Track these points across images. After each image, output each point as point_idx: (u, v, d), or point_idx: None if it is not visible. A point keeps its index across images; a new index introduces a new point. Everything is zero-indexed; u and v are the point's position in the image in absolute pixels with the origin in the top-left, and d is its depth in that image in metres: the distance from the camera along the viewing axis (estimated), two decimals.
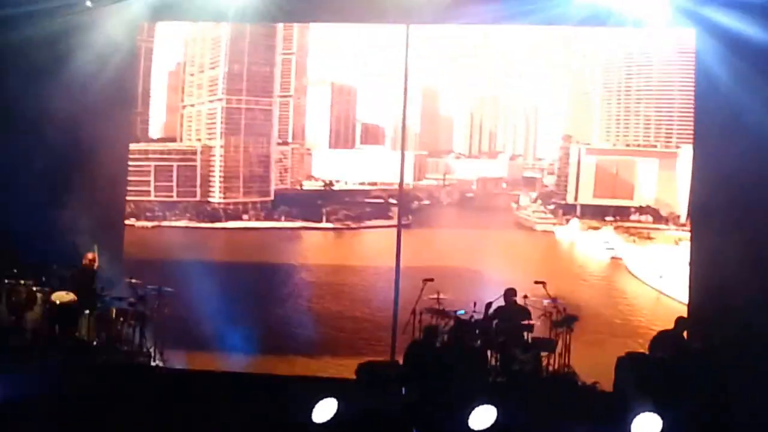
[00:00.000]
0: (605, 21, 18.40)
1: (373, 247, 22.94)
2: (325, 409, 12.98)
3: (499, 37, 21.59)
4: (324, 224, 23.30)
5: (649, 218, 21.97)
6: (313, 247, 23.24)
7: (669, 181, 21.53)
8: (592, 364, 16.65)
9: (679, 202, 21.08)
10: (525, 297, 17.07)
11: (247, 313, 18.94)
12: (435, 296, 17.33)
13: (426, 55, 21.65)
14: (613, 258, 21.97)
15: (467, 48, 21.84)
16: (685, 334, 16.43)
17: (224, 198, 23.22)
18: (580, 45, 22.25)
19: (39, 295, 16.71)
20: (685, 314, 17.63)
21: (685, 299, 18.77)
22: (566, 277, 21.06)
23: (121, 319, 16.91)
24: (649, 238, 21.80)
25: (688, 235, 19.45)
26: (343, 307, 21.23)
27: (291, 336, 20.06)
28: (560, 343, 16.81)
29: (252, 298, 19.95)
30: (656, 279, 20.91)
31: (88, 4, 18.84)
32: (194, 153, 23.30)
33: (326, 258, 23.22)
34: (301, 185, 23.67)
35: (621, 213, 22.22)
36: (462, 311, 17.00)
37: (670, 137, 21.50)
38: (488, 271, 19.00)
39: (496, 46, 21.68)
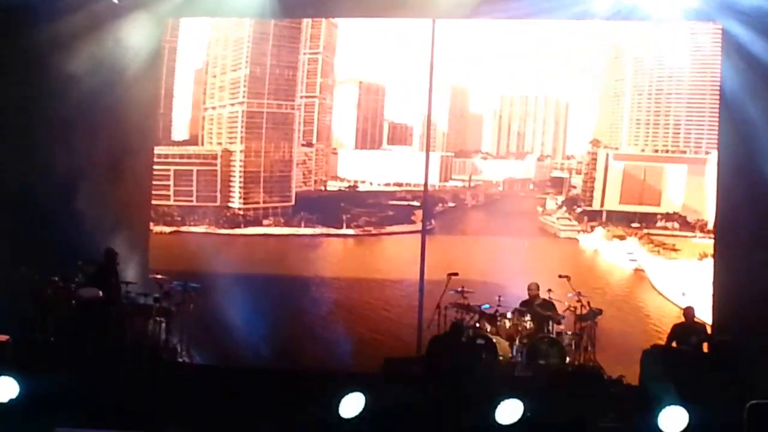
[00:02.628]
0: (633, 15, 18.28)
1: (393, 256, 22.75)
2: (352, 404, 12.80)
3: (529, 36, 21.47)
4: (344, 230, 23.12)
5: (676, 225, 21.76)
6: (332, 256, 23.07)
7: (697, 188, 21.31)
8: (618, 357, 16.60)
9: (708, 209, 20.82)
10: (549, 291, 16.95)
11: (267, 326, 18.83)
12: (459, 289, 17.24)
13: (455, 53, 21.56)
14: (636, 270, 21.77)
15: (496, 46, 21.74)
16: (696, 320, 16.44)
17: (244, 203, 23.08)
18: (611, 46, 22.13)
19: (65, 291, 16.62)
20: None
21: (708, 319, 18.54)
22: (588, 287, 20.85)
23: (147, 314, 16.80)
24: (674, 249, 21.59)
25: (714, 246, 19.30)
26: (364, 321, 21.03)
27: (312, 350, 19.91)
28: (585, 336, 16.69)
29: (269, 310, 19.78)
30: (679, 296, 20.69)
31: (115, 0, 18.79)
32: (215, 157, 23.20)
33: (346, 268, 23.04)
34: (325, 186, 23.55)
35: (647, 219, 22.00)
36: (487, 305, 16.93)
37: (700, 143, 21.28)
38: (510, 283, 18.83)
39: (526, 45, 21.57)
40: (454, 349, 15.63)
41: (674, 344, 16.56)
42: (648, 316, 20.81)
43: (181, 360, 16.70)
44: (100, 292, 16.51)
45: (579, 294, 16.86)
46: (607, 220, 22.25)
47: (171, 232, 22.53)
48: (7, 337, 15.56)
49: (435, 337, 16.27)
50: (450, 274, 17.24)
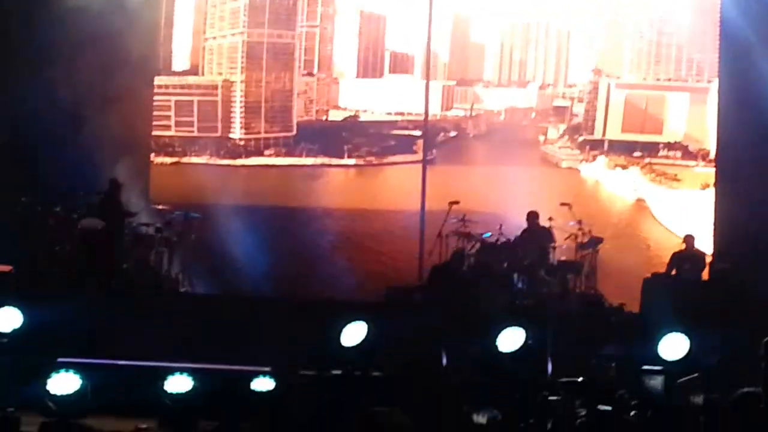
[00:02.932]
0: None
1: (395, 186, 22.73)
2: (354, 333, 12.79)
3: None
4: (346, 161, 23.09)
5: (678, 154, 21.70)
6: (334, 186, 23.06)
7: (700, 117, 21.22)
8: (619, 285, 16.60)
9: (710, 139, 20.70)
10: (550, 219, 16.85)
11: (269, 255, 18.78)
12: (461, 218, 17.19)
13: None
14: (637, 199, 21.73)
15: None
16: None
17: (245, 133, 23.02)
18: None
19: (68, 221, 16.56)
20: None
21: (709, 249, 18.50)
22: (589, 217, 20.82)
23: (149, 244, 16.77)
24: (675, 179, 21.54)
25: (715, 175, 19.18)
26: (365, 251, 21.03)
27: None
28: (586, 264, 16.66)
29: (271, 240, 19.72)
30: (680, 225, 20.62)
31: None
32: (215, 87, 23.10)
33: (347, 198, 23.04)
34: (327, 115, 23.48)
35: (649, 149, 21.96)
36: (488, 234, 16.85)
37: (702, 71, 21.17)
38: (511, 212, 18.70)
39: None
40: (455, 278, 15.58)
41: (674, 272, 16.55)
42: (649, 246, 20.79)
43: (182, 289, 16.67)
44: (103, 223, 16.43)
45: (580, 222, 16.77)
46: (609, 150, 22.19)
47: (172, 163, 22.46)
48: (10, 267, 15.58)
49: (436, 265, 16.23)
50: (451, 203, 17.17)
